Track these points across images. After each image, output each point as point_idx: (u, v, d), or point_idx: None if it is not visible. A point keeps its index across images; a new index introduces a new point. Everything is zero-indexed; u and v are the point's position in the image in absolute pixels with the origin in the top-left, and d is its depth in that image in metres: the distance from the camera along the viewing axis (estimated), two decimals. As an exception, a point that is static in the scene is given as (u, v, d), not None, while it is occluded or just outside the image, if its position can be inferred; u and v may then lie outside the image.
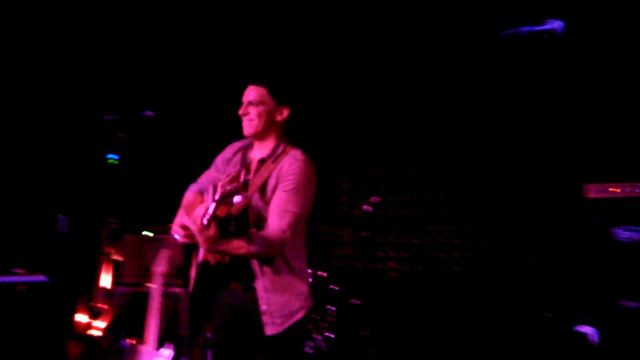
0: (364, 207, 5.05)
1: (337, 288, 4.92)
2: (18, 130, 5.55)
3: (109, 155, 4.38)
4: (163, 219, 5.32)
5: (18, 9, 5.65)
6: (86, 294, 5.06)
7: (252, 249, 2.65)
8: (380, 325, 5.25)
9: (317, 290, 4.87)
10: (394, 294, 5.47)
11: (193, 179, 3.37)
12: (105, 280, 5.13)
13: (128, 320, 5.10)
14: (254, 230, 2.72)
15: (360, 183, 5.90)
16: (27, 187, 5.81)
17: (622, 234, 4.07)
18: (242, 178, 2.48)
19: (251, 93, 2.91)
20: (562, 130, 5.01)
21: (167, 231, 5.26)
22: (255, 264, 2.80)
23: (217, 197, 2.47)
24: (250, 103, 2.90)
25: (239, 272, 2.82)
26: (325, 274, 4.95)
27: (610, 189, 4.12)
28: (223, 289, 2.90)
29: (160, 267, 4.59)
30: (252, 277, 2.81)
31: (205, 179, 3.12)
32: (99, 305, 5.04)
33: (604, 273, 4.10)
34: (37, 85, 5.93)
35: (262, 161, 2.91)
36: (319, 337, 4.52)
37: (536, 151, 5.12)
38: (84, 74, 6.14)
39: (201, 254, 2.74)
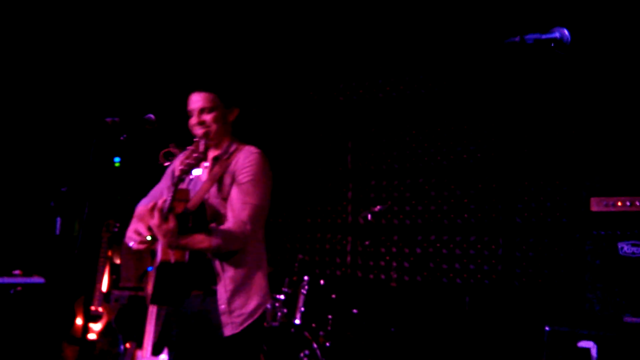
0: (368, 216, 5.01)
1: (334, 296, 4.88)
2: (18, 133, 5.54)
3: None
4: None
5: (22, 11, 5.65)
6: (83, 297, 5.04)
7: (214, 242, 2.65)
8: (378, 335, 5.21)
9: (317, 298, 4.83)
10: (393, 303, 5.42)
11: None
12: (104, 283, 5.11)
13: (125, 324, 5.07)
14: (214, 224, 2.72)
15: (365, 192, 5.88)
16: (25, 189, 5.80)
17: (627, 248, 4.02)
18: (201, 147, 2.47)
19: (199, 99, 2.89)
20: (568, 143, 4.97)
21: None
22: (216, 263, 2.79)
23: (176, 173, 2.46)
24: (202, 110, 2.88)
25: (199, 273, 2.79)
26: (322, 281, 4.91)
27: (617, 203, 4.07)
28: (186, 298, 2.81)
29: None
30: (213, 278, 2.79)
31: (156, 190, 3.12)
32: (96, 308, 5.01)
33: (607, 287, 4.04)
34: (37, 88, 5.93)
35: (216, 158, 2.91)
36: (316, 345, 4.48)
37: (541, 163, 5.09)
38: (84, 75, 6.14)
39: (159, 254, 2.68)
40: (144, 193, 3.21)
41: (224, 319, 2.75)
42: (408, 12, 5.56)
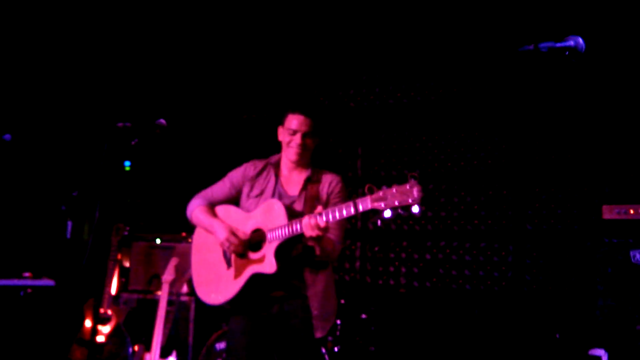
0: (378, 221, 5.00)
1: (343, 302, 4.87)
2: (29, 137, 5.57)
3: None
4: (173, 227, 5.32)
5: (35, 17, 5.69)
6: (93, 299, 5.05)
7: (330, 250, 3.00)
8: (386, 341, 5.19)
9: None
10: (402, 309, 5.41)
11: (204, 186, 3.36)
12: (113, 286, 5.12)
13: (134, 326, 5.08)
14: (329, 235, 3.02)
15: (374, 197, 5.85)
16: (37, 193, 5.83)
17: (639, 256, 3.99)
18: (416, 195, 2.59)
19: (306, 123, 3.14)
20: (579, 150, 4.95)
21: (178, 239, 5.27)
22: (307, 271, 3.06)
23: (375, 205, 2.60)
24: (306, 134, 3.14)
25: (291, 279, 3.06)
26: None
27: (630, 211, 4.05)
28: (266, 300, 3.08)
29: (169, 275, 4.59)
30: (303, 285, 3.05)
31: (216, 193, 3.32)
32: (105, 311, 5.02)
33: (619, 295, 4.02)
34: (49, 93, 5.96)
35: (308, 180, 3.20)
36: (324, 351, 4.47)
37: (552, 170, 5.06)
38: (96, 80, 6.17)
39: (273, 265, 2.90)
40: (154, 197, 3.23)
41: (317, 323, 3.01)
42: (419, 19, 5.57)
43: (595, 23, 4.64)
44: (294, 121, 3.13)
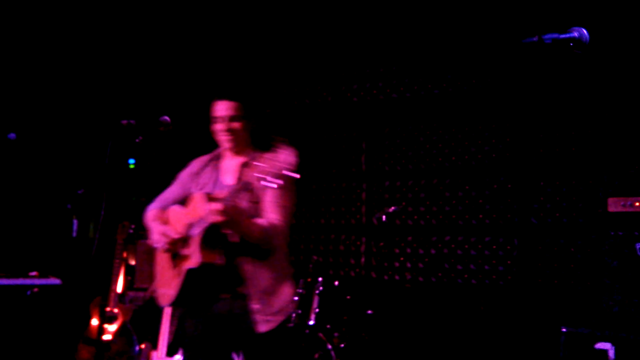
0: (382, 217, 5.00)
1: (348, 297, 4.87)
2: (34, 135, 5.58)
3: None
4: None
5: (38, 16, 5.69)
6: (99, 298, 5.07)
7: (265, 233, 2.85)
8: (393, 336, 5.19)
9: (331, 299, 4.82)
10: (408, 304, 5.40)
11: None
12: (119, 284, 5.13)
13: (140, 325, 5.09)
14: (261, 219, 2.90)
15: (379, 192, 5.86)
16: (42, 191, 5.85)
17: (645, 249, 3.97)
18: (292, 159, 2.63)
19: (229, 108, 3.02)
20: (584, 142, 4.93)
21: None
22: (248, 265, 2.91)
23: (250, 177, 2.56)
24: (231, 118, 3.02)
25: (229, 276, 2.89)
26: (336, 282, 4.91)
27: (635, 203, 4.03)
28: (213, 301, 2.95)
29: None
30: (241, 282, 2.90)
31: (168, 195, 3.24)
32: (112, 309, 5.03)
33: (625, 289, 4.00)
34: (53, 91, 5.97)
35: (245, 164, 3.04)
36: (330, 347, 4.47)
37: (557, 163, 5.04)
38: (100, 78, 6.18)
39: (197, 257, 2.79)
40: (159, 194, 3.24)
41: (258, 317, 2.88)
42: (422, 12, 5.55)
43: (600, 14, 4.62)
44: (216, 108, 3.05)
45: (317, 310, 4.73)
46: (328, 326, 4.70)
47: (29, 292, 4.65)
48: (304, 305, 4.77)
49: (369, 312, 4.89)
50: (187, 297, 2.91)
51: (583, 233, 4.88)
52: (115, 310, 5.05)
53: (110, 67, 6.21)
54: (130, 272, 5.45)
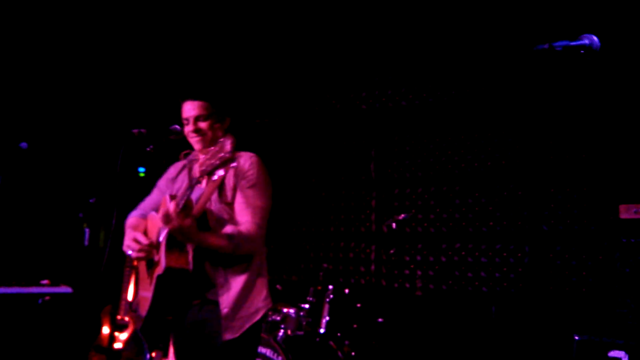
0: (392, 224, 4.99)
1: (359, 305, 4.86)
2: (47, 144, 5.62)
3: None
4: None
5: (50, 25, 5.74)
6: (110, 306, 5.08)
7: (233, 242, 2.72)
8: (404, 344, 5.17)
9: (341, 307, 4.82)
10: (419, 312, 5.38)
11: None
12: (130, 292, 5.14)
13: (151, 333, 5.08)
14: (231, 226, 2.76)
15: (389, 200, 5.85)
16: (54, 199, 5.88)
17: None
18: (227, 147, 2.47)
19: (195, 107, 2.94)
20: (595, 149, 4.90)
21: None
22: (219, 270, 2.81)
23: (196, 174, 2.47)
24: (197, 118, 2.93)
25: (199, 281, 2.80)
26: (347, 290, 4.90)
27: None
28: (185, 308, 2.87)
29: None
30: (211, 287, 2.81)
31: (147, 203, 3.18)
32: (122, 317, 5.03)
33: (638, 296, 3.97)
34: (64, 100, 6.02)
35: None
36: (341, 355, 4.46)
37: (568, 170, 5.02)
38: (110, 87, 6.22)
39: (163, 261, 2.67)
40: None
41: (225, 323, 2.76)
42: (431, 20, 5.55)
43: (610, 21, 4.61)
44: (184, 109, 2.96)
45: (327, 318, 4.72)
46: (339, 334, 4.69)
47: (40, 301, 4.68)
48: (314, 314, 4.76)
49: (380, 320, 4.88)
50: (160, 305, 2.80)
51: (595, 240, 4.85)
52: (126, 319, 5.05)
53: (121, 76, 6.25)
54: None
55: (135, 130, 3.01)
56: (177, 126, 3.15)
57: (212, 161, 2.48)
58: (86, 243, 5.54)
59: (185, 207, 2.57)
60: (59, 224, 5.89)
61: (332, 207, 6.14)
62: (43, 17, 5.65)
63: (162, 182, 3.18)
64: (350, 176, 6.07)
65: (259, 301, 2.87)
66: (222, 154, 2.47)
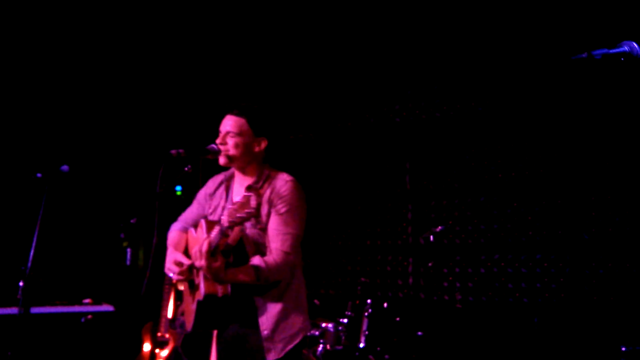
0: (430, 237, 4.95)
1: (398, 319, 4.82)
2: (88, 167, 5.73)
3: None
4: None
5: (85, 48, 5.87)
6: (151, 324, 5.13)
7: (262, 275, 2.73)
8: (444, 358, 5.11)
9: (380, 321, 4.79)
10: (459, 325, 5.32)
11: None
12: (169, 310, 5.19)
13: (191, 349, 5.13)
14: (258, 256, 2.77)
15: (425, 212, 5.81)
16: (96, 221, 5.99)
17: None
18: (253, 203, 2.48)
19: (229, 123, 2.91)
20: (636, 155, 4.80)
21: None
22: (256, 295, 2.84)
23: (225, 224, 2.51)
24: (228, 133, 2.90)
25: (240, 306, 2.84)
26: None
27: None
28: (225, 327, 2.92)
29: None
30: (254, 308, 2.84)
31: (188, 215, 3.19)
32: (163, 334, 5.08)
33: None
34: (104, 123, 6.13)
35: (249, 188, 2.82)
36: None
37: (608, 177, 4.92)
38: (149, 109, 6.32)
39: (203, 288, 2.72)
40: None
41: (267, 344, 2.80)
42: (465, 31, 5.52)
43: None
44: (222, 122, 2.94)
45: (366, 332, 4.69)
46: (378, 348, 4.66)
47: (83, 319, 4.75)
48: (353, 328, 4.74)
49: (419, 333, 4.84)
50: (202, 325, 2.86)
51: (637, 247, 4.73)
52: (167, 336, 5.10)
53: (160, 98, 6.35)
54: (179, 297, 5.50)
55: (173, 151, 3.03)
56: (214, 145, 3.18)
57: (240, 215, 2.49)
58: (128, 262, 5.62)
59: (215, 251, 2.62)
60: (100, 244, 5.99)
61: (368, 220, 6.12)
62: (81, 38, 5.78)
63: (201, 196, 3.18)
64: (386, 189, 6.04)
65: (299, 322, 2.89)
66: (248, 210, 2.47)
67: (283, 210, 2.84)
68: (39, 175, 3.78)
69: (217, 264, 2.62)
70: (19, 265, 4.28)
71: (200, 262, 2.61)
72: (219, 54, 6.29)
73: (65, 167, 3.77)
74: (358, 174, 6.16)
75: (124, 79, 6.17)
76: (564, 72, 4.95)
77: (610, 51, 2.28)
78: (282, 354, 2.81)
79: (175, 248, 3.00)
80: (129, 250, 5.57)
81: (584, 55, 2.28)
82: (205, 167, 3.36)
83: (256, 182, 2.92)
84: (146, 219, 5.41)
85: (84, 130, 5.98)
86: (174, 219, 3.31)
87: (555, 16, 5.05)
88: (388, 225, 5.99)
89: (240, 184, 2.99)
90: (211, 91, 6.49)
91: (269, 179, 2.94)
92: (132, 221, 5.36)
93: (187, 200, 3.29)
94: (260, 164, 2.99)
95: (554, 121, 5.18)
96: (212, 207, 3.06)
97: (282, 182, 2.91)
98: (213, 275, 2.64)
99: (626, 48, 2.28)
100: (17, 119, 5.65)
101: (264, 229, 2.85)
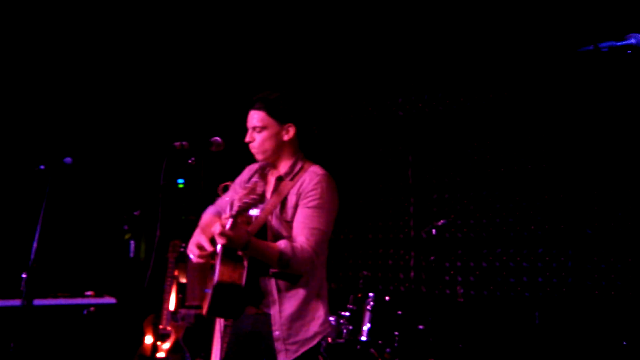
0: (432, 230, 4.95)
1: (399, 313, 4.82)
2: (91, 159, 5.73)
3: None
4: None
5: (88, 41, 5.86)
6: (152, 316, 5.14)
7: (284, 258, 2.60)
8: (445, 352, 5.11)
9: (382, 314, 4.79)
10: (460, 319, 5.32)
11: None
12: (171, 302, 5.20)
13: (193, 342, 5.14)
14: (285, 240, 2.65)
15: (427, 206, 5.81)
16: (99, 213, 5.99)
17: None
18: (259, 190, 2.44)
19: (252, 119, 2.84)
20: (638, 153, 4.80)
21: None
22: (272, 285, 2.74)
23: (234, 211, 2.45)
24: (254, 129, 2.83)
25: (254, 294, 2.74)
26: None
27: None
28: (239, 314, 2.80)
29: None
30: (267, 300, 2.75)
31: (223, 201, 3.10)
32: (165, 327, 5.09)
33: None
34: (108, 116, 6.13)
35: (280, 179, 2.83)
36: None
37: (611, 171, 4.92)
38: (153, 100, 6.31)
39: (217, 274, 2.63)
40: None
41: (278, 345, 2.70)
42: (467, 24, 5.51)
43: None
44: (247, 122, 2.87)
45: (368, 326, 4.70)
46: (380, 342, 4.67)
47: (85, 311, 4.76)
48: (355, 321, 4.74)
49: (421, 327, 4.84)
50: (217, 310, 2.76)
51: (635, 243, 4.74)
52: (168, 328, 5.11)
53: (163, 90, 6.34)
54: (181, 290, 5.52)
55: (177, 143, 3.02)
56: (218, 138, 3.17)
57: (246, 200, 2.45)
58: (131, 255, 5.62)
59: (235, 225, 2.51)
60: (103, 236, 5.99)
61: (370, 214, 6.12)
62: (84, 31, 5.77)
63: (237, 183, 3.09)
64: (388, 183, 6.04)
65: (316, 326, 2.76)
66: (254, 196, 2.43)
67: (311, 204, 2.73)
68: (42, 167, 3.77)
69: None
70: (22, 257, 4.29)
71: (224, 222, 2.49)
72: (222, 47, 6.27)
73: (68, 159, 3.77)
74: (360, 167, 6.15)
75: (127, 71, 6.16)
76: (567, 66, 4.94)
77: (617, 44, 2.26)
78: (294, 357, 2.70)
79: (203, 230, 2.88)
80: (132, 242, 5.57)
81: (590, 48, 2.27)
82: (209, 159, 3.35)
83: (288, 173, 2.84)
84: (149, 211, 5.40)
85: (87, 122, 5.97)
86: (177, 211, 3.30)
87: (560, 9, 5.03)
88: (390, 218, 5.99)
89: (272, 175, 2.91)
90: (214, 84, 6.48)
91: (301, 170, 2.84)
92: (135, 213, 5.36)
93: (189, 192, 3.29)
94: (293, 154, 2.89)
95: (557, 115, 5.18)
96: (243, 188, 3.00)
97: (313, 174, 2.80)
98: (233, 241, 2.50)
99: (633, 41, 2.27)
100: (20, 111, 5.64)
101: (288, 222, 2.76)
